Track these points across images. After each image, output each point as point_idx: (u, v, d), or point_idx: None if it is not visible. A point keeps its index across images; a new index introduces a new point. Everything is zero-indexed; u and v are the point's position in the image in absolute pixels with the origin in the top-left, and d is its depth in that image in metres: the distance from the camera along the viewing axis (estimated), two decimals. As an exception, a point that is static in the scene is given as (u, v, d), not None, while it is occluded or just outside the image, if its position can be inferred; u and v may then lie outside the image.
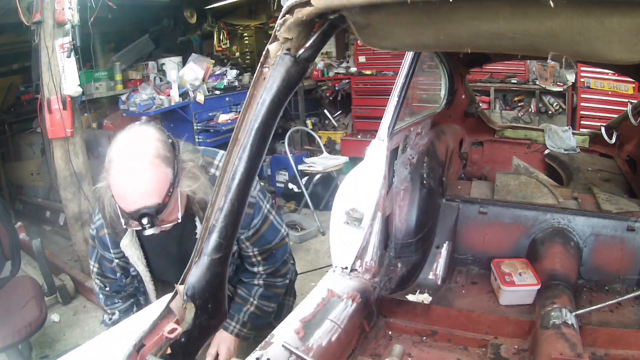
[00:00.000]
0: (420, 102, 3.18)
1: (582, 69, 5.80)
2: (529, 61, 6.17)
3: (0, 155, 5.94)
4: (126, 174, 1.36)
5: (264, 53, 1.19)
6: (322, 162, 5.35)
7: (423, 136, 2.62)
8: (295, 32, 1.15)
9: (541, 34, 0.97)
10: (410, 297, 2.12)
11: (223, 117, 5.44)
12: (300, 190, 5.21)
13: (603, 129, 3.34)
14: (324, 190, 5.33)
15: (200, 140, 5.38)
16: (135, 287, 1.91)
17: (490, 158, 3.64)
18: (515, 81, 6.55)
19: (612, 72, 5.04)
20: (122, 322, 1.33)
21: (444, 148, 2.76)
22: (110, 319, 1.96)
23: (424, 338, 1.88)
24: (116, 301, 1.95)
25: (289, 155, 5.36)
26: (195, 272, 1.13)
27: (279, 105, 1.18)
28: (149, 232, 1.40)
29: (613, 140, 3.26)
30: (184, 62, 5.74)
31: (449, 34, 1.10)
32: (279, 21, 1.16)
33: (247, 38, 7.00)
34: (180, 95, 5.22)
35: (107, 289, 1.93)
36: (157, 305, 1.24)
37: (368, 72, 6.80)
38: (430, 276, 2.27)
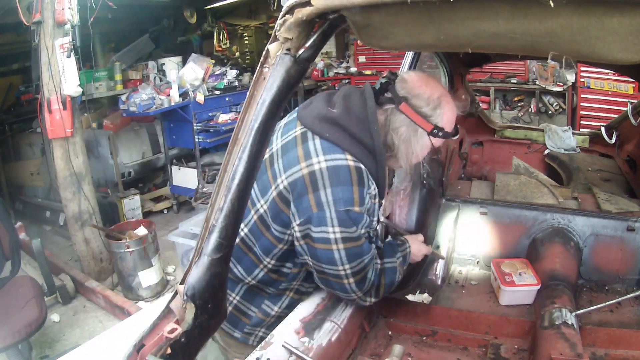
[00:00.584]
0: (420, 102, 3.17)
1: (582, 69, 5.81)
2: (529, 61, 6.18)
3: (0, 155, 5.95)
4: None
5: (264, 53, 1.19)
6: (322, 162, 5.34)
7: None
8: (295, 32, 1.15)
9: (541, 34, 0.97)
10: (410, 297, 2.12)
11: (223, 117, 5.44)
12: (300, 190, 5.21)
13: (603, 129, 3.34)
14: (324, 190, 5.32)
15: (200, 140, 5.38)
16: None
17: (490, 158, 3.63)
18: (515, 81, 6.56)
19: (612, 72, 5.04)
20: (121, 323, 1.33)
21: (444, 148, 2.76)
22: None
23: (424, 338, 1.88)
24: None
25: (289, 155, 5.35)
26: (195, 272, 1.13)
27: (279, 105, 1.17)
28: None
29: (613, 140, 3.26)
30: (184, 62, 5.75)
31: (449, 34, 1.10)
32: (279, 21, 1.16)
33: (247, 38, 7.01)
34: (180, 95, 5.22)
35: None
36: (157, 305, 1.24)
37: (368, 72, 6.82)
38: (430, 276, 2.27)
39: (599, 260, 2.24)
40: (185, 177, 5.62)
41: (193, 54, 5.79)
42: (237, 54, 7.08)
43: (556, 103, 6.35)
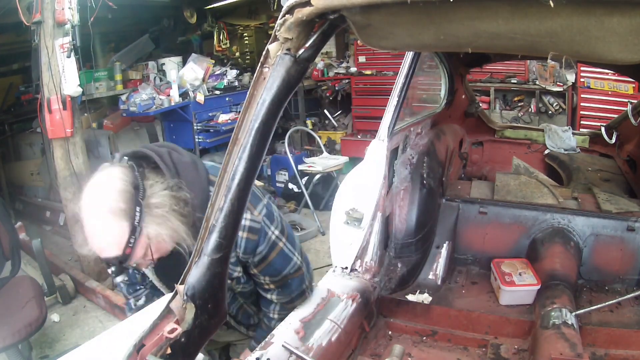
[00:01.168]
0: (420, 102, 3.19)
1: (582, 69, 5.80)
2: (529, 61, 6.17)
3: (0, 155, 5.94)
4: (85, 227, 1.43)
5: (264, 53, 1.19)
6: (322, 162, 5.35)
7: (423, 136, 2.62)
8: (295, 32, 1.15)
9: (541, 34, 0.97)
10: (410, 297, 2.12)
11: (223, 117, 5.44)
12: (300, 190, 5.22)
13: (603, 129, 3.35)
14: (324, 190, 5.33)
15: (200, 140, 5.38)
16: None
17: (490, 158, 3.64)
18: (515, 81, 6.55)
19: (612, 72, 5.04)
20: (121, 323, 1.33)
21: (444, 148, 2.76)
22: (135, 304, 1.83)
23: (424, 338, 1.88)
24: (138, 288, 1.83)
25: (289, 155, 5.36)
26: (195, 272, 1.13)
27: (279, 105, 1.17)
28: (118, 278, 1.48)
29: (613, 140, 3.26)
30: (184, 62, 5.74)
31: (448, 34, 1.10)
32: (279, 21, 1.16)
33: (247, 38, 7.01)
34: (180, 95, 5.22)
35: (128, 280, 1.80)
36: (157, 305, 1.24)
37: (368, 72, 6.80)
38: (430, 276, 2.27)
39: (599, 260, 2.24)
40: (185, 177, 5.61)
41: (193, 54, 5.79)
42: (237, 54, 7.07)
43: (556, 103, 6.34)
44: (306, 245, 4.61)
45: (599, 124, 4.19)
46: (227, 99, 5.71)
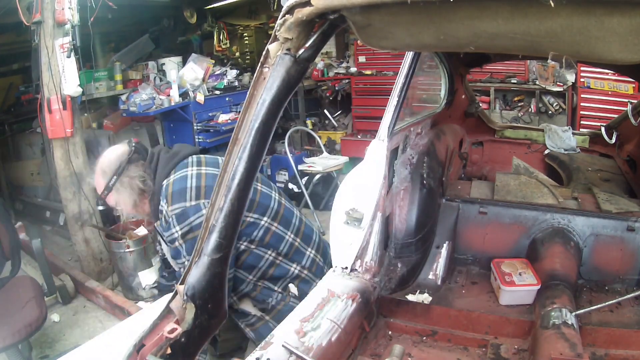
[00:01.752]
0: (420, 102, 3.18)
1: (582, 69, 5.80)
2: (529, 61, 6.17)
3: (0, 155, 5.94)
4: None
5: (264, 53, 1.19)
6: (322, 162, 5.35)
7: (423, 136, 2.62)
8: (295, 32, 1.15)
9: (541, 34, 0.97)
10: (410, 297, 2.12)
11: (223, 117, 5.44)
12: (300, 190, 5.22)
13: (603, 129, 3.34)
14: (324, 190, 5.33)
15: (200, 140, 5.38)
16: None
17: (490, 158, 3.64)
18: (515, 81, 6.55)
19: (612, 72, 5.04)
20: (121, 323, 1.33)
21: (444, 148, 2.76)
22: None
23: (424, 338, 1.88)
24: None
25: (289, 155, 5.36)
26: (195, 272, 1.13)
27: (279, 105, 1.17)
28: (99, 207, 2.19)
29: (613, 140, 3.26)
30: (184, 62, 5.74)
31: (448, 34, 1.10)
32: (279, 21, 1.16)
33: (247, 38, 7.01)
34: (180, 95, 5.22)
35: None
36: (157, 305, 1.24)
37: (368, 72, 6.81)
38: (430, 276, 2.27)
39: (599, 260, 2.24)
40: (185, 177, 5.60)
41: (193, 54, 5.78)
42: (237, 54, 7.07)
43: (556, 103, 6.34)
44: (306, 245, 4.60)
45: (599, 124, 4.19)
46: (227, 99, 5.71)
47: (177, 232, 1.89)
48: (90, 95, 5.25)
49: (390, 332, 1.91)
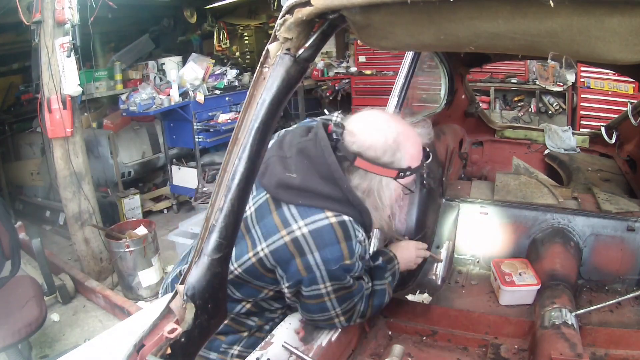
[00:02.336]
0: (420, 102, 3.18)
1: (582, 69, 5.80)
2: (529, 61, 6.17)
3: (0, 155, 5.94)
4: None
5: (263, 53, 1.19)
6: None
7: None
8: (295, 32, 1.15)
9: (541, 34, 0.97)
10: (410, 297, 2.12)
11: (223, 117, 5.44)
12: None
13: (603, 129, 3.34)
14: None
15: (200, 140, 5.38)
16: None
17: (490, 158, 3.64)
18: (515, 81, 6.56)
19: (612, 72, 5.04)
20: (121, 323, 1.33)
21: (444, 148, 2.76)
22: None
23: (424, 338, 1.88)
24: None
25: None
26: (195, 272, 1.13)
27: (278, 105, 1.17)
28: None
29: (613, 140, 3.26)
30: (184, 62, 5.75)
31: (448, 33, 1.10)
32: (278, 21, 1.16)
33: (247, 38, 7.01)
34: (180, 95, 5.22)
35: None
36: (157, 305, 1.24)
37: (368, 72, 6.81)
38: (430, 276, 2.27)
39: (599, 260, 2.24)
40: (185, 176, 5.62)
41: (193, 54, 5.79)
42: (237, 53, 7.07)
43: (556, 103, 6.35)
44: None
45: (599, 124, 4.19)
46: (227, 98, 5.71)
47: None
48: (90, 95, 5.26)
49: (390, 332, 1.91)
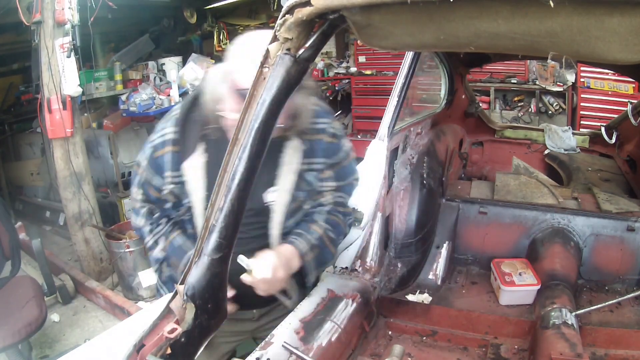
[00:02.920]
0: (420, 102, 3.18)
1: (582, 69, 5.80)
2: (529, 61, 6.17)
3: (1, 155, 5.94)
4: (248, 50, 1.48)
5: (264, 53, 1.19)
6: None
7: (423, 136, 2.62)
8: (295, 32, 1.15)
9: (541, 33, 0.97)
10: (410, 297, 2.12)
11: (223, 117, 5.43)
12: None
13: (603, 129, 3.35)
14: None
15: (200, 140, 5.37)
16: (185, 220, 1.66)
17: (490, 158, 3.64)
18: (515, 81, 6.55)
19: (612, 72, 5.04)
20: (121, 323, 1.33)
21: (444, 148, 2.76)
22: (162, 248, 1.63)
23: (424, 338, 1.88)
24: (160, 223, 1.66)
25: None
26: (195, 272, 1.13)
27: (278, 105, 1.17)
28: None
29: (613, 140, 3.26)
30: (184, 62, 5.74)
31: (448, 33, 1.10)
32: (279, 21, 1.16)
33: (247, 38, 7.00)
34: (180, 95, 5.22)
35: (146, 211, 1.66)
36: (157, 305, 1.24)
37: (368, 72, 6.80)
38: (430, 276, 2.27)
39: (599, 260, 2.24)
40: (185, 177, 5.61)
41: (193, 54, 5.78)
42: (237, 53, 7.06)
43: (556, 103, 6.34)
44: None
45: (599, 124, 4.19)
46: (227, 98, 5.70)
47: (347, 143, 1.75)
48: (90, 95, 5.25)
49: (390, 332, 1.91)
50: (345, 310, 1.70)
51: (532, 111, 6.52)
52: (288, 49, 1.17)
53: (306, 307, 1.65)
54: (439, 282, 2.24)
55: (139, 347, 1.08)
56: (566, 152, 3.40)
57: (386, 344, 1.83)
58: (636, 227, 2.19)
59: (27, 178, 5.79)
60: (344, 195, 1.73)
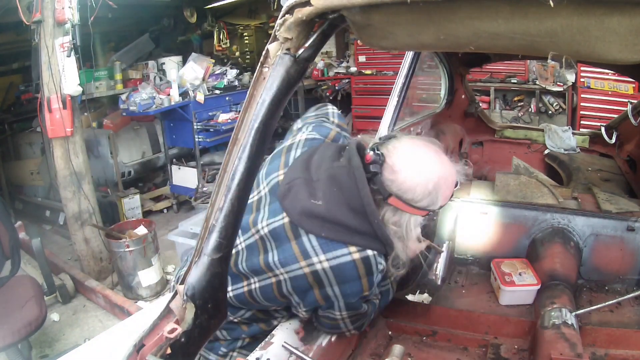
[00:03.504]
0: (420, 102, 3.19)
1: (582, 69, 5.80)
2: (529, 61, 6.17)
3: (0, 155, 5.94)
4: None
5: (263, 53, 1.19)
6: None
7: (423, 136, 2.62)
8: (295, 32, 1.15)
9: (541, 33, 0.97)
10: (410, 297, 2.12)
11: (223, 117, 5.44)
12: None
13: (603, 129, 3.34)
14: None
15: (200, 139, 5.38)
16: None
17: (490, 158, 3.64)
18: (515, 81, 6.55)
19: (612, 72, 5.04)
20: (121, 323, 1.33)
21: (444, 148, 2.76)
22: None
23: (424, 338, 1.88)
24: None
25: (289, 155, 5.34)
26: (195, 272, 1.13)
27: (278, 105, 1.17)
28: None
29: (613, 140, 3.26)
30: (184, 62, 5.74)
31: (448, 33, 1.10)
32: (278, 21, 1.16)
33: (247, 38, 7.01)
34: (180, 95, 5.22)
35: None
36: (157, 305, 1.24)
37: (368, 71, 6.81)
38: (430, 276, 2.27)
39: (599, 260, 2.24)
40: (185, 176, 5.62)
41: (193, 54, 5.79)
42: (237, 53, 7.07)
43: (556, 103, 6.34)
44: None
45: (599, 124, 4.19)
46: (227, 98, 5.71)
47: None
48: (90, 95, 5.26)
49: (390, 332, 1.91)
50: (345, 310, 1.70)
51: (532, 111, 6.53)
52: (288, 49, 1.17)
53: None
54: (439, 282, 2.23)
55: (139, 347, 1.08)
56: (566, 152, 3.40)
57: (386, 344, 1.83)
58: (636, 227, 2.19)
59: (27, 177, 5.79)
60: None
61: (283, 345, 1.44)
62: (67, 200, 4.06)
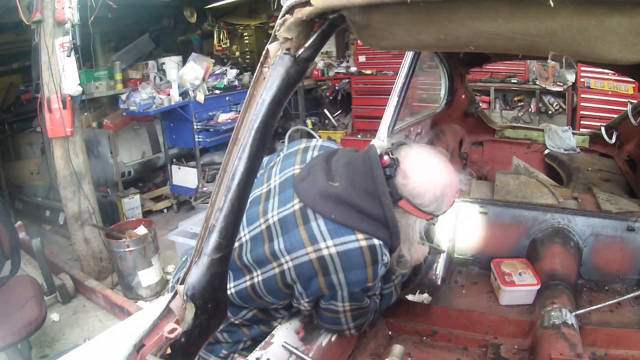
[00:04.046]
0: (420, 102, 3.19)
1: (582, 69, 5.80)
2: (529, 61, 6.17)
3: (1, 155, 5.94)
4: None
5: (263, 53, 1.19)
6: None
7: (423, 136, 2.62)
8: (295, 32, 1.15)
9: (541, 33, 0.97)
10: (410, 297, 2.12)
11: (223, 117, 5.44)
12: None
13: (603, 129, 3.35)
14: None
15: (200, 139, 5.38)
16: None
17: (490, 158, 3.64)
18: (515, 81, 6.55)
19: (612, 72, 5.04)
20: (121, 323, 1.33)
21: (444, 148, 2.76)
22: None
23: (424, 338, 1.88)
24: None
25: (289, 155, 5.35)
26: (195, 272, 1.13)
27: (278, 105, 1.17)
28: None
29: (613, 140, 3.26)
30: (184, 62, 5.74)
31: (448, 33, 1.10)
32: (278, 21, 1.16)
33: (247, 37, 7.00)
34: (180, 95, 5.22)
35: None
36: (157, 305, 1.24)
37: (368, 71, 6.80)
38: (430, 276, 2.27)
39: (599, 260, 2.24)
40: (185, 176, 5.62)
41: (193, 54, 5.79)
42: (237, 53, 7.06)
43: (556, 103, 6.34)
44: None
45: (599, 124, 4.19)
46: (227, 98, 5.71)
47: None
48: (90, 95, 5.26)
49: (390, 332, 1.91)
50: (345, 310, 1.70)
51: (532, 111, 6.52)
52: (288, 49, 1.17)
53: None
54: (439, 282, 2.24)
55: (139, 347, 1.08)
56: (566, 152, 3.40)
57: (386, 344, 1.83)
58: (636, 227, 2.19)
59: (27, 177, 5.79)
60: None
61: (283, 345, 1.44)
62: (67, 200, 4.06)
